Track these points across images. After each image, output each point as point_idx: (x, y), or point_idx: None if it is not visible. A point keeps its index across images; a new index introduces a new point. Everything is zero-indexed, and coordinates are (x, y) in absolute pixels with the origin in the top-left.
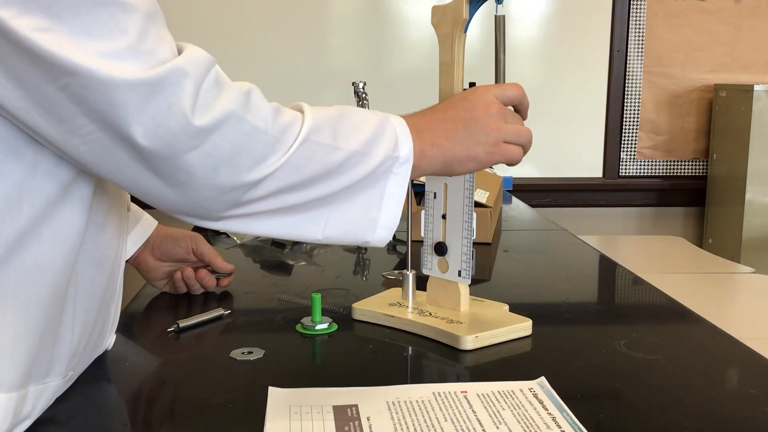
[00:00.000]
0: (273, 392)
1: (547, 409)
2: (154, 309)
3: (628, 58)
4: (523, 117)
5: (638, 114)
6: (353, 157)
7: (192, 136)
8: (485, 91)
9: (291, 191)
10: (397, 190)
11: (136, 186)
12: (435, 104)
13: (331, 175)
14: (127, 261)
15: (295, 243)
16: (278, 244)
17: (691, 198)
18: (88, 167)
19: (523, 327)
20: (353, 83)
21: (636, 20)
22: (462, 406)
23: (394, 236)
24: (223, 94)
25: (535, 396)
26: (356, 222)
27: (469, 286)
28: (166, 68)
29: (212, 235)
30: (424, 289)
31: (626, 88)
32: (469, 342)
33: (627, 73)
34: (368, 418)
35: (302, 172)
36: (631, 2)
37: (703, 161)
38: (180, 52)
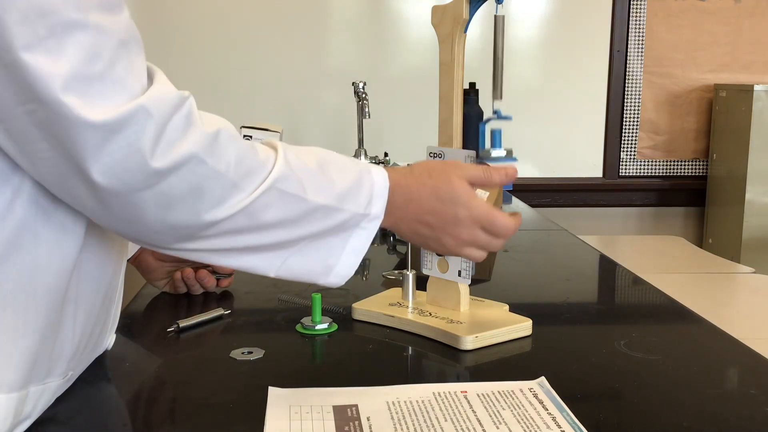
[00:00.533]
0: (273, 392)
1: (547, 409)
2: (154, 309)
3: (628, 58)
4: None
5: (638, 114)
6: (320, 210)
7: (148, 176)
8: (476, 219)
9: (248, 233)
10: (360, 244)
11: (87, 211)
12: (428, 177)
13: (293, 223)
14: (127, 260)
15: None
16: None
17: (691, 198)
18: (45, 186)
19: (523, 327)
20: (353, 83)
21: (636, 20)
22: (462, 406)
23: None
24: (188, 135)
25: (535, 396)
26: (311, 268)
27: (469, 286)
28: (130, 108)
29: None
30: (424, 289)
31: (626, 88)
32: (469, 342)
33: (627, 73)
34: (368, 418)
35: (261, 218)
36: (631, 2)
37: (703, 161)
38: (152, 75)
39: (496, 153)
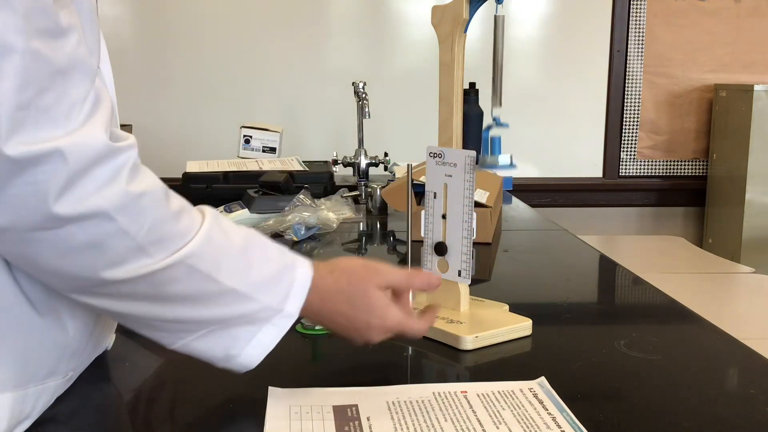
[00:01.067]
0: (273, 392)
1: (547, 409)
2: None
3: (628, 58)
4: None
5: (638, 114)
6: (231, 294)
7: (46, 219)
8: (388, 329)
9: (149, 302)
10: (268, 339)
11: None
12: (347, 283)
13: (199, 303)
14: None
15: (295, 243)
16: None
17: (691, 198)
18: None
19: (523, 327)
20: (353, 83)
21: (636, 20)
22: (462, 406)
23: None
24: (105, 190)
25: (535, 396)
26: (212, 353)
27: (469, 286)
28: (46, 149)
29: None
30: None
31: (626, 88)
32: (469, 342)
33: (627, 73)
34: (368, 418)
35: (165, 290)
36: (631, 2)
37: (703, 161)
38: (94, 111)
39: (493, 159)
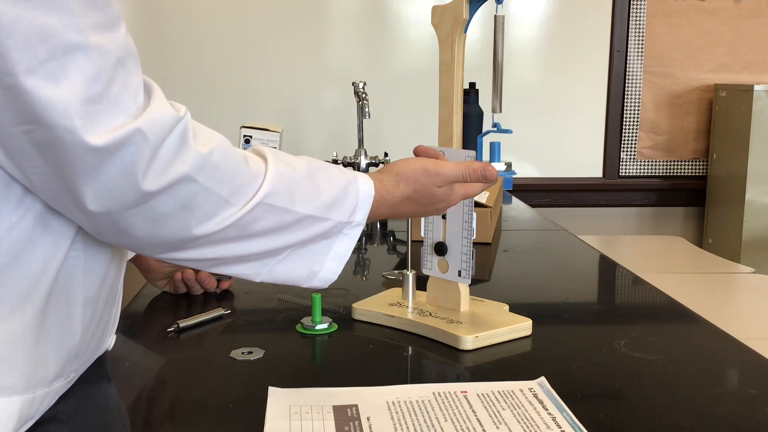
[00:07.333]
0: (273, 392)
1: (547, 409)
2: (154, 309)
3: (628, 58)
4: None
5: (638, 114)
6: (306, 219)
7: (138, 197)
8: (456, 202)
9: (236, 242)
10: (343, 249)
11: (78, 222)
12: (413, 191)
13: (280, 232)
14: (128, 260)
15: None
16: None
17: (691, 198)
18: (39, 195)
19: (523, 327)
20: (353, 83)
21: (636, 20)
22: (462, 406)
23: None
24: (180, 156)
25: (535, 396)
26: (295, 273)
27: (469, 286)
28: (127, 131)
29: None
30: (424, 289)
31: (626, 88)
32: (469, 342)
33: (627, 73)
34: (368, 418)
35: (250, 230)
36: (631, 2)
37: (703, 161)
38: (149, 91)
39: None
